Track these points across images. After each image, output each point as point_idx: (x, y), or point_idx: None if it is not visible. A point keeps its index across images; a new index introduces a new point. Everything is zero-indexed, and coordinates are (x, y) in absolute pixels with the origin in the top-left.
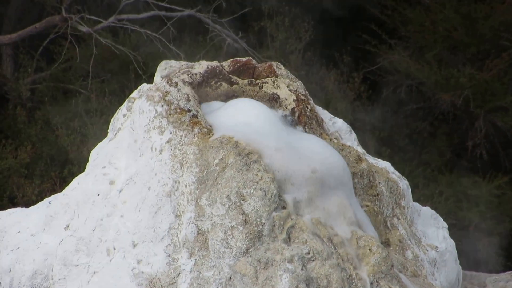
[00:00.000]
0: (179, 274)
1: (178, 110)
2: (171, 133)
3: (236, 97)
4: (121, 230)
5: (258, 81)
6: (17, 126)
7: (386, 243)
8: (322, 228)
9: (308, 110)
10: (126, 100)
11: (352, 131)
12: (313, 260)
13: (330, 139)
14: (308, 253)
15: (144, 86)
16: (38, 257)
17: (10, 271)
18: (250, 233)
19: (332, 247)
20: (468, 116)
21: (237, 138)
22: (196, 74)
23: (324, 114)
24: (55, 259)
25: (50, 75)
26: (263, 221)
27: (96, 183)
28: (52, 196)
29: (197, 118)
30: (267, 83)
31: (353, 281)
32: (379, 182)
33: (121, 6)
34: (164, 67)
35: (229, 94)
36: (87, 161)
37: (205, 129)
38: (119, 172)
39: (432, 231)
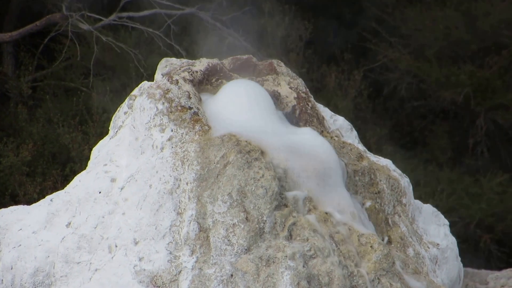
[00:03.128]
0: (180, 272)
1: (179, 108)
2: (172, 130)
3: None
4: (123, 228)
5: (258, 78)
6: (18, 124)
7: (387, 241)
8: (323, 226)
9: (309, 107)
10: (127, 98)
11: (353, 129)
12: (314, 257)
13: (331, 137)
14: (310, 250)
15: (145, 84)
16: (39, 255)
17: (12, 268)
18: (252, 231)
19: (334, 244)
20: (469, 113)
21: (238, 136)
22: (196, 71)
23: (325, 111)
24: (56, 256)
25: (51, 73)
26: (265, 218)
27: (98, 180)
28: (54, 193)
29: (198, 115)
30: (268, 80)
31: (354, 278)
32: (380, 180)
33: (121, 4)
34: (165, 65)
35: None
36: (88, 159)
37: (206, 127)
38: (121, 169)
39: (433, 228)
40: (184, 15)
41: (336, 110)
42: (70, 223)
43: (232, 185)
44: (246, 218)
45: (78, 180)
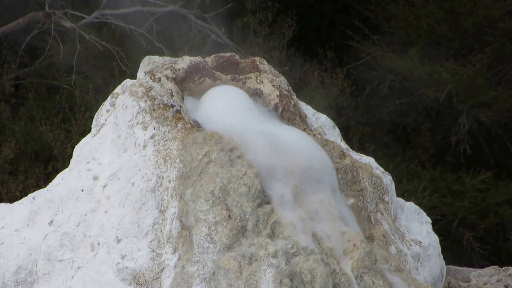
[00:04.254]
0: (163, 269)
1: (162, 106)
2: (154, 128)
3: None
4: (105, 226)
5: (241, 76)
6: (0, 122)
7: (369, 238)
8: (306, 223)
9: (292, 105)
10: (110, 96)
11: (336, 127)
12: (297, 255)
13: (314, 135)
14: (292, 248)
15: (128, 82)
16: (22, 253)
17: None
18: (234, 228)
19: (316, 242)
20: (452, 111)
21: (220, 133)
22: (179, 69)
23: (307, 109)
24: (39, 254)
25: (34, 71)
26: (247, 216)
27: (80, 178)
28: (36, 191)
29: (181, 113)
30: (250, 78)
31: (337, 276)
32: (363, 178)
33: (104, 2)
34: (147, 63)
35: None
36: (71, 157)
37: (189, 125)
38: (103, 167)
39: (415, 226)
40: (167, 13)
41: (318, 108)
42: (52, 221)
43: (214, 183)
44: (229, 216)
45: (61, 178)
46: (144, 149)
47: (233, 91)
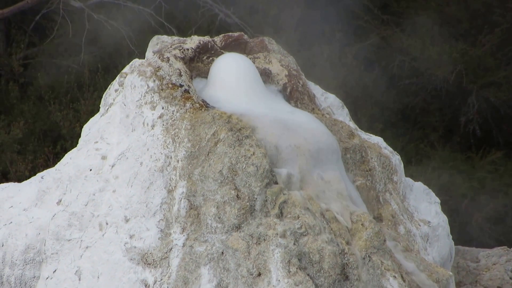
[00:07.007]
0: (171, 249)
1: (170, 85)
2: (163, 108)
3: None
4: (114, 205)
5: (250, 56)
6: (9, 101)
7: (378, 218)
8: (314, 203)
9: (300, 85)
10: (118, 75)
11: (344, 107)
12: (305, 235)
13: (322, 114)
14: (301, 228)
15: (136, 61)
16: (30, 232)
17: (2, 245)
18: (243, 208)
19: (325, 222)
20: (461, 91)
21: (229, 113)
22: (188, 49)
23: (316, 89)
24: (47, 233)
25: (43, 50)
26: (255, 196)
27: (89, 158)
28: (45, 171)
29: (189, 93)
30: (259, 58)
31: (345, 256)
32: (372, 158)
33: None
34: (156, 42)
35: None
36: (79, 136)
37: (197, 104)
38: (111, 147)
39: (424, 206)
40: None
41: (327, 88)
42: (60, 201)
43: (222, 163)
44: (237, 195)
45: (69, 158)
46: (152, 128)
47: (241, 65)
